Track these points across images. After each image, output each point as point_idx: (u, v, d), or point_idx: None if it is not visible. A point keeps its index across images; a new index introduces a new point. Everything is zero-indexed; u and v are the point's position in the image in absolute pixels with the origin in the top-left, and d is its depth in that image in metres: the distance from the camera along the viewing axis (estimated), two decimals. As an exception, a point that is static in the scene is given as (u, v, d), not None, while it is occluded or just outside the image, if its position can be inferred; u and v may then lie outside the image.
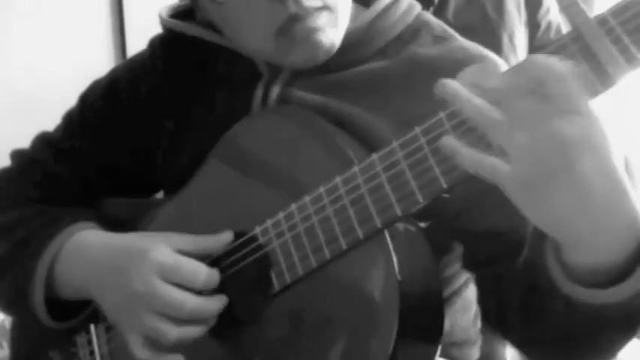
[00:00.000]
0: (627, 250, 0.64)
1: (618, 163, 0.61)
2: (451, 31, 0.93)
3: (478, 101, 0.62)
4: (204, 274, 0.82)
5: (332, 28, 0.85)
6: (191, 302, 0.81)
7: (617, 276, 0.65)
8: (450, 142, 0.65)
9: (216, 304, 0.83)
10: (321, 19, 0.83)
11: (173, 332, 0.82)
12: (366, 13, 0.91)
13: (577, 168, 0.59)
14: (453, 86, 0.64)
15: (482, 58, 0.88)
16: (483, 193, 0.73)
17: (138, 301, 0.83)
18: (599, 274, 0.65)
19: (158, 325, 0.82)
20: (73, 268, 0.93)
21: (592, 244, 0.64)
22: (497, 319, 0.84)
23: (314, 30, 0.83)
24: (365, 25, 0.90)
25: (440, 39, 0.91)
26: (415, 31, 0.92)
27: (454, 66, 0.86)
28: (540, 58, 0.61)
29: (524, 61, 0.63)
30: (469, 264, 0.89)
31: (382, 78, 0.89)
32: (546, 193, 0.61)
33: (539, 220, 0.65)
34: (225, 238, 0.85)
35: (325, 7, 0.83)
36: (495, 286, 0.82)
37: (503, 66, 0.87)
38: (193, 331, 0.82)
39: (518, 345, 0.85)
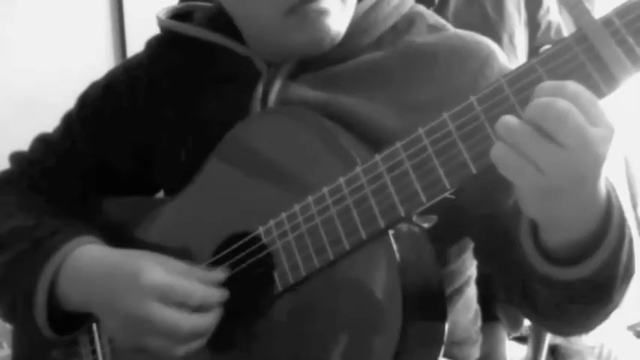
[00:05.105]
0: (592, 225, 0.70)
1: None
2: (443, 21, 0.94)
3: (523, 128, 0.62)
4: (199, 292, 0.83)
5: (340, 14, 0.86)
6: (187, 324, 0.82)
7: (586, 252, 0.70)
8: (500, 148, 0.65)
9: (210, 318, 0.84)
10: (332, 3, 0.84)
11: (178, 351, 0.83)
12: (360, 4, 0.92)
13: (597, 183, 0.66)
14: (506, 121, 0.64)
15: (477, 45, 0.88)
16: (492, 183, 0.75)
17: (138, 325, 0.83)
18: (573, 252, 0.71)
19: (163, 346, 0.83)
20: (72, 289, 0.92)
21: (571, 226, 0.69)
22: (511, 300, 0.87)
23: (325, 12, 0.84)
24: (359, 17, 0.91)
25: (434, 28, 0.92)
26: (410, 21, 0.93)
27: (451, 52, 0.87)
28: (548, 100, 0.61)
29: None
30: (483, 256, 0.92)
31: (382, 67, 0.89)
32: (561, 197, 0.65)
33: (540, 215, 0.69)
34: (217, 275, 0.86)
35: None
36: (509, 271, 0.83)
37: (499, 52, 0.89)
38: (196, 345, 0.83)
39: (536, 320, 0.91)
